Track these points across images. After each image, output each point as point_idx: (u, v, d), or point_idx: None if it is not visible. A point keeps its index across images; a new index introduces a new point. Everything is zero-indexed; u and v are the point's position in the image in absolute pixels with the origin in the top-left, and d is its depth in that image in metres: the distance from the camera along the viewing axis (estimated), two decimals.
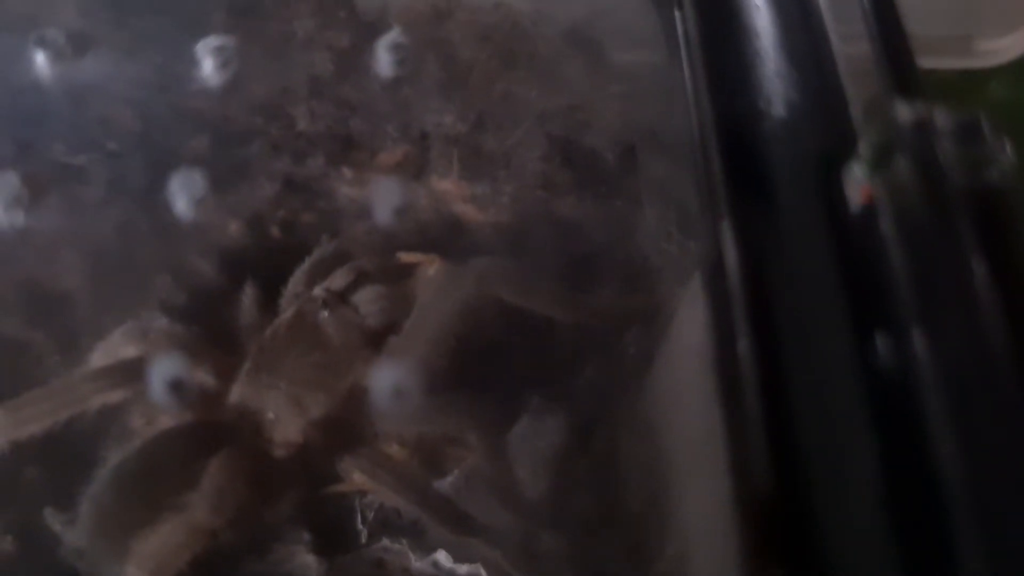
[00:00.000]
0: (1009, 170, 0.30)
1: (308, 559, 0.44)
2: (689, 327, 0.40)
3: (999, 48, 0.64)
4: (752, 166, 0.35)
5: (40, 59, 0.44)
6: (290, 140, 0.54)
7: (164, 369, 0.36)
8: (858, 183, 0.32)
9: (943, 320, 0.29)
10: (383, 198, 0.42)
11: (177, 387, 0.37)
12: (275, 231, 0.53)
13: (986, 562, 0.27)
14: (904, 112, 0.30)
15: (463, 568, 0.44)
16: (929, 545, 0.28)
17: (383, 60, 0.46)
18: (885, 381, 0.30)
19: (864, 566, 0.28)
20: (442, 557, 0.44)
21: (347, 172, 0.54)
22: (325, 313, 0.45)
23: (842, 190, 0.33)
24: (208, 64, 0.44)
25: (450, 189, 0.53)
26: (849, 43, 0.34)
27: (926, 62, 0.64)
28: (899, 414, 0.29)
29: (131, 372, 0.41)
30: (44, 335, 0.48)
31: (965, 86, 0.67)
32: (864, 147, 0.32)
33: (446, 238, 0.52)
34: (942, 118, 0.31)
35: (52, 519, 0.42)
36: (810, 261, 0.33)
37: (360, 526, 0.45)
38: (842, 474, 0.29)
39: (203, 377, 0.45)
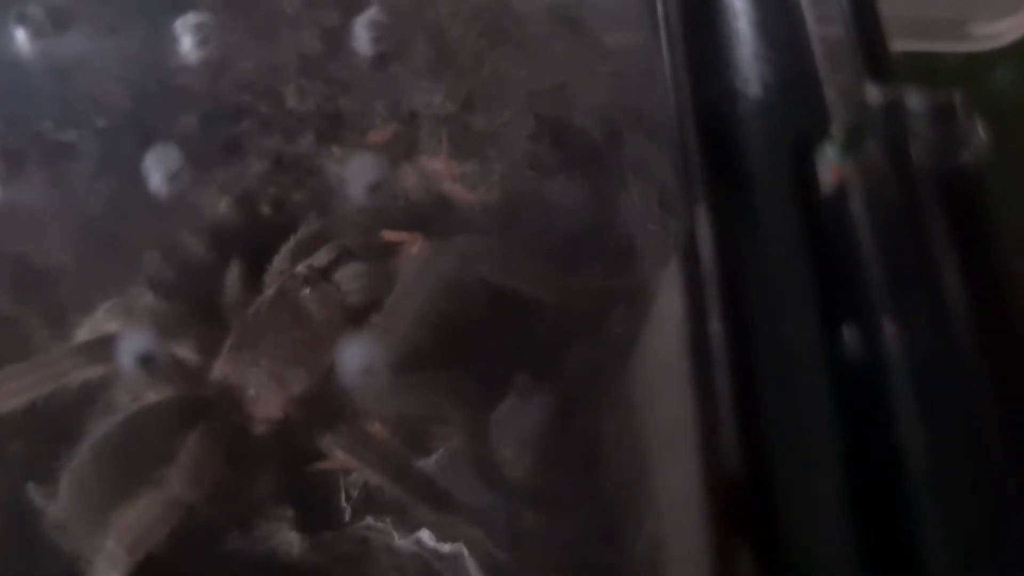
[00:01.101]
0: (982, 151, 0.30)
1: (291, 536, 0.45)
2: (670, 308, 0.40)
3: (996, 32, 0.64)
4: (728, 148, 0.35)
5: (21, 36, 0.44)
6: (280, 118, 0.54)
7: (133, 345, 0.37)
8: (830, 165, 0.32)
9: (910, 304, 0.29)
10: (356, 175, 0.42)
11: (146, 363, 0.37)
12: (265, 208, 0.53)
13: (948, 547, 0.27)
14: (874, 94, 0.30)
15: (446, 547, 0.44)
16: (892, 529, 0.28)
17: (361, 38, 0.46)
18: (853, 365, 0.30)
19: (827, 549, 0.28)
20: (425, 536, 0.44)
21: (337, 150, 0.54)
22: (307, 290, 0.45)
23: (815, 172, 0.33)
24: (187, 42, 0.44)
25: (439, 168, 0.54)
26: (825, 24, 0.34)
27: (921, 45, 0.63)
28: (866, 398, 0.30)
29: (111, 348, 0.41)
30: (32, 310, 0.49)
31: (968, 70, 0.67)
32: (836, 129, 0.32)
33: (435, 217, 0.52)
34: (914, 100, 0.30)
35: (35, 493, 0.43)
36: (782, 244, 0.33)
37: (344, 504, 0.46)
38: (808, 458, 0.29)
39: (187, 353, 0.45)
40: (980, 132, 0.30)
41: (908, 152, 0.29)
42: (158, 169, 0.39)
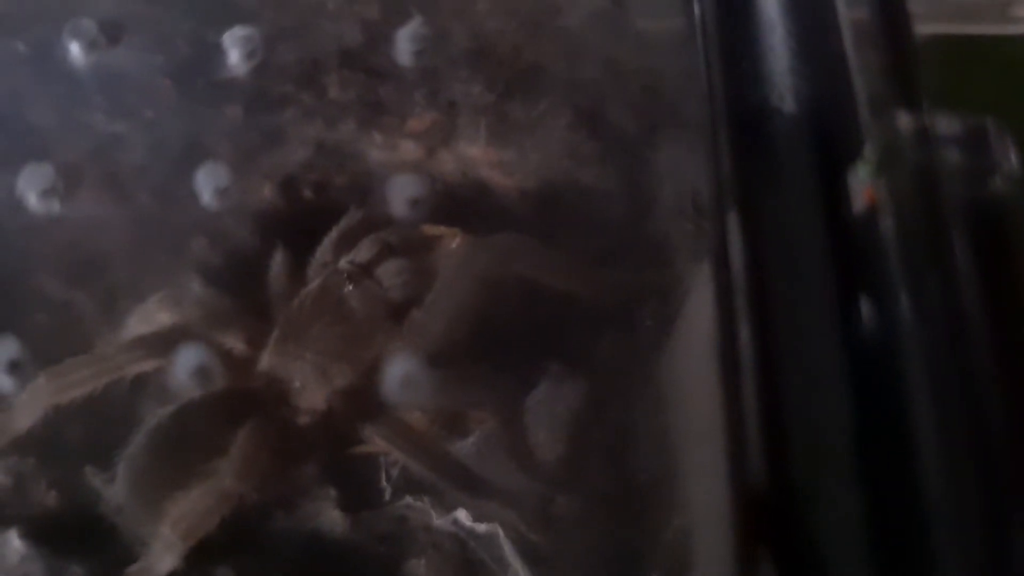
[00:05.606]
0: (1013, 178, 0.31)
1: (334, 515, 0.46)
2: (701, 305, 0.40)
3: None
4: (762, 161, 0.35)
5: (75, 48, 0.45)
6: (322, 107, 0.55)
7: (187, 360, 0.38)
8: (862, 185, 0.32)
9: (936, 329, 0.30)
10: (398, 190, 0.43)
11: (200, 375, 0.38)
12: (308, 194, 0.54)
13: (960, 529, 0.28)
14: (905, 120, 0.31)
15: (482, 527, 0.46)
16: (905, 523, 0.29)
17: (403, 50, 0.47)
18: (874, 367, 0.31)
19: (843, 543, 0.29)
20: (462, 516, 0.46)
21: (378, 137, 0.55)
22: (350, 286, 0.47)
23: (848, 190, 0.33)
24: (235, 54, 0.45)
25: (477, 155, 0.54)
26: (861, 44, 0.34)
27: (963, 28, 0.63)
28: (888, 409, 0.30)
29: (164, 343, 0.42)
30: (85, 296, 0.50)
31: (1010, 53, 0.66)
32: (869, 150, 0.32)
33: (473, 203, 0.53)
34: (946, 125, 0.31)
35: (93, 477, 0.45)
36: (812, 258, 0.33)
37: (384, 484, 0.47)
38: (831, 470, 0.30)
39: (234, 343, 0.47)
40: (1012, 158, 0.31)
41: (938, 179, 0.30)
42: (208, 185, 0.41)
